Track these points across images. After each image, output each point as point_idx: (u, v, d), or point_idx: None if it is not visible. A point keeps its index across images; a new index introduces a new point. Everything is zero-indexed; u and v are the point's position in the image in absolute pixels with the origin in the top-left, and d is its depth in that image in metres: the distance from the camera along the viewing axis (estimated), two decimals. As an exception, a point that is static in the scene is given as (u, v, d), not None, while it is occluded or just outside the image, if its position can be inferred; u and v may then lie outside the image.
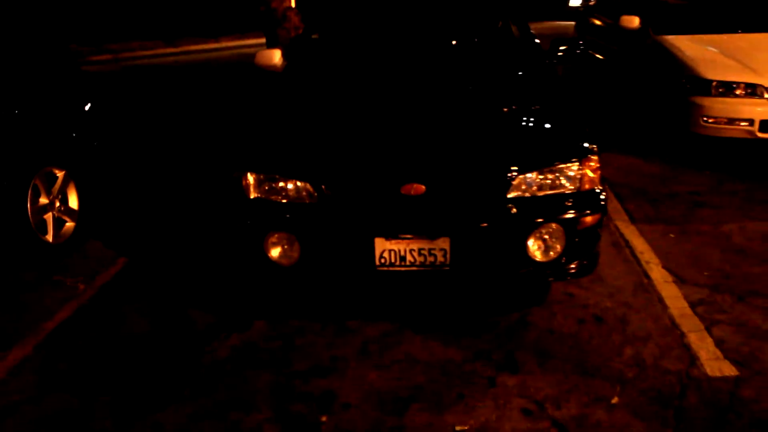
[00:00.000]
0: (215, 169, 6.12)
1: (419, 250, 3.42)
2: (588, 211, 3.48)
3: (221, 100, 9.35)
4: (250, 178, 3.59)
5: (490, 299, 3.95)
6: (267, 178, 3.57)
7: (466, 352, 3.45)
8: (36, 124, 4.79)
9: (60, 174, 4.78)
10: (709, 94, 6.22)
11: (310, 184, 3.50)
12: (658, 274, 4.23)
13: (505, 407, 3.02)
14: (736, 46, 6.79)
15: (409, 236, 3.40)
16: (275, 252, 3.53)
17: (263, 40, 9.08)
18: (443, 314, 3.83)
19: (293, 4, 8.52)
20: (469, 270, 3.49)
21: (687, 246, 4.63)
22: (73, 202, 4.88)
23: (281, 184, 3.55)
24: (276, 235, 3.52)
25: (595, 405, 3.02)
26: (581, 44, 5.00)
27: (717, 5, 7.64)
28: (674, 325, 3.65)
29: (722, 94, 6.18)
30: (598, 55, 9.09)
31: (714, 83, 6.20)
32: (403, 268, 3.44)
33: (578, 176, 3.49)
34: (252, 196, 3.58)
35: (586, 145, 3.58)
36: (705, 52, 6.68)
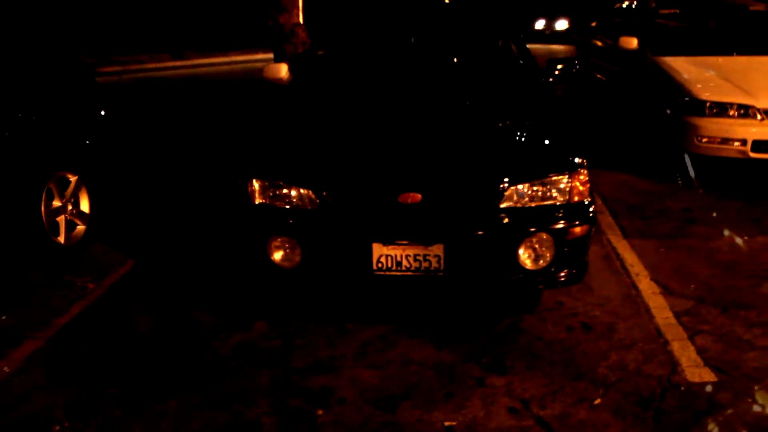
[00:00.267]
0: (221, 175, 6.33)
1: (414, 255, 3.58)
2: (577, 222, 3.65)
3: (228, 111, 9.59)
4: (256, 184, 3.77)
5: (483, 306, 4.11)
6: (271, 184, 3.75)
7: (457, 355, 3.60)
8: (50, 131, 4.99)
9: (73, 179, 4.97)
10: (703, 115, 6.39)
11: (313, 191, 3.67)
12: (646, 285, 4.38)
13: (492, 405, 3.17)
14: (732, 68, 6.99)
15: (405, 242, 3.56)
16: (278, 255, 3.71)
17: (271, 56, 9.32)
18: (437, 319, 3.98)
19: (301, 20, 8.74)
20: (462, 276, 3.65)
21: (676, 260, 4.78)
22: (85, 205, 5.06)
23: (285, 190, 3.73)
24: (279, 239, 3.69)
25: (578, 405, 3.17)
26: (576, 64, 5.18)
27: (714, 28, 7.85)
28: (659, 334, 3.80)
29: (716, 114, 6.36)
30: (598, 75, 9.30)
31: (708, 104, 6.37)
32: (398, 273, 3.61)
33: (568, 188, 3.66)
34: (257, 202, 3.76)
35: (576, 159, 3.76)
36: (700, 74, 6.87)
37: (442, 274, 3.61)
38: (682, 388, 3.29)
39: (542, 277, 3.69)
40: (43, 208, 4.61)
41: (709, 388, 3.29)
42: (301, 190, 3.70)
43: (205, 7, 19.26)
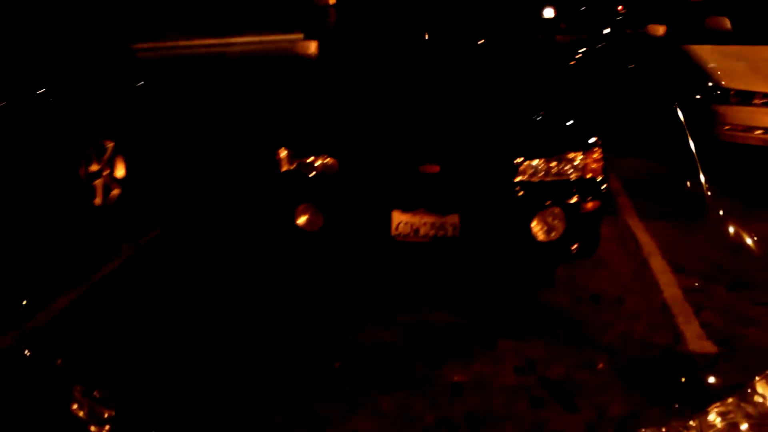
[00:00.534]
0: (251, 144, 6.57)
1: (431, 224, 3.75)
2: (589, 198, 3.79)
3: (259, 86, 9.86)
4: (283, 153, 3.97)
5: (497, 276, 4.27)
6: (297, 153, 3.94)
7: (471, 320, 3.79)
8: (91, 100, 5.25)
9: (110, 145, 5.22)
10: (727, 102, 6.45)
11: (337, 160, 3.86)
12: (657, 263, 4.51)
13: (500, 365, 3.35)
14: (759, 57, 7.01)
15: (423, 210, 3.74)
16: (302, 219, 3.90)
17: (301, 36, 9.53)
18: (454, 288, 4.16)
19: (332, 1, 8.92)
20: (476, 246, 3.82)
21: (689, 241, 4.89)
22: (121, 171, 5.32)
23: (310, 159, 3.92)
24: (303, 205, 3.89)
25: (581, 368, 3.33)
26: (601, 49, 5.29)
27: (743, 17, 7.85)
28: (665, 308, 3.93)
29: (740, 103, 6.41)
30: (627, 63, 9.33)
31: (732, 92, 6.42)
32: (416, 240, 3.78)
33: (581, 165, 3.80)
34: (284, 169, 3.96)
35: (590, 137, 3.89)
36: (727, 62, 6.91)
37: (456, 243, 3.77)
38: (684, 357, 3.44)
39: (553, 249, 3.84)
40: (82, 172, 4.87)
41: (709, 359, 3.43)
42: (327, 159, 3.88)
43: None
